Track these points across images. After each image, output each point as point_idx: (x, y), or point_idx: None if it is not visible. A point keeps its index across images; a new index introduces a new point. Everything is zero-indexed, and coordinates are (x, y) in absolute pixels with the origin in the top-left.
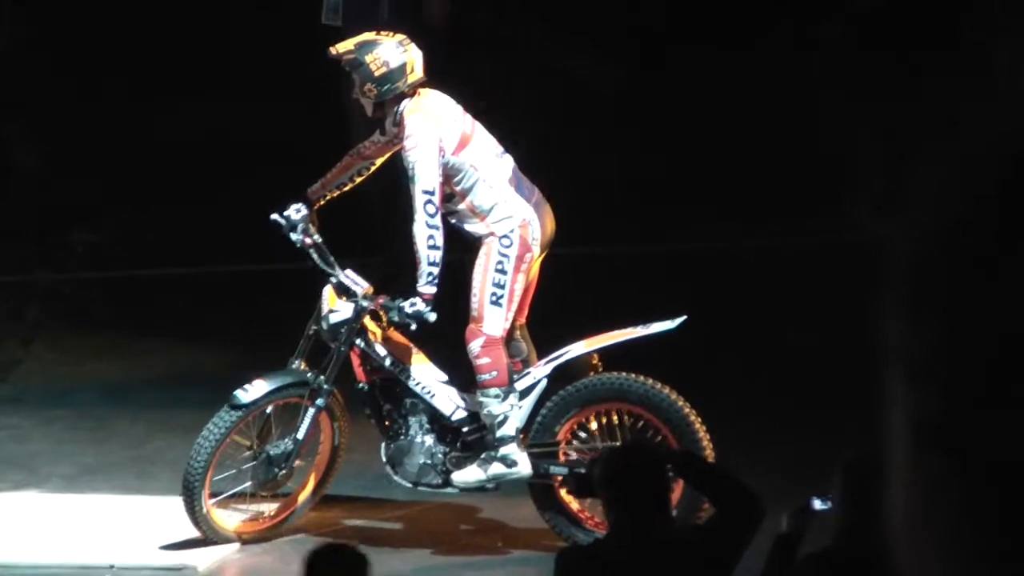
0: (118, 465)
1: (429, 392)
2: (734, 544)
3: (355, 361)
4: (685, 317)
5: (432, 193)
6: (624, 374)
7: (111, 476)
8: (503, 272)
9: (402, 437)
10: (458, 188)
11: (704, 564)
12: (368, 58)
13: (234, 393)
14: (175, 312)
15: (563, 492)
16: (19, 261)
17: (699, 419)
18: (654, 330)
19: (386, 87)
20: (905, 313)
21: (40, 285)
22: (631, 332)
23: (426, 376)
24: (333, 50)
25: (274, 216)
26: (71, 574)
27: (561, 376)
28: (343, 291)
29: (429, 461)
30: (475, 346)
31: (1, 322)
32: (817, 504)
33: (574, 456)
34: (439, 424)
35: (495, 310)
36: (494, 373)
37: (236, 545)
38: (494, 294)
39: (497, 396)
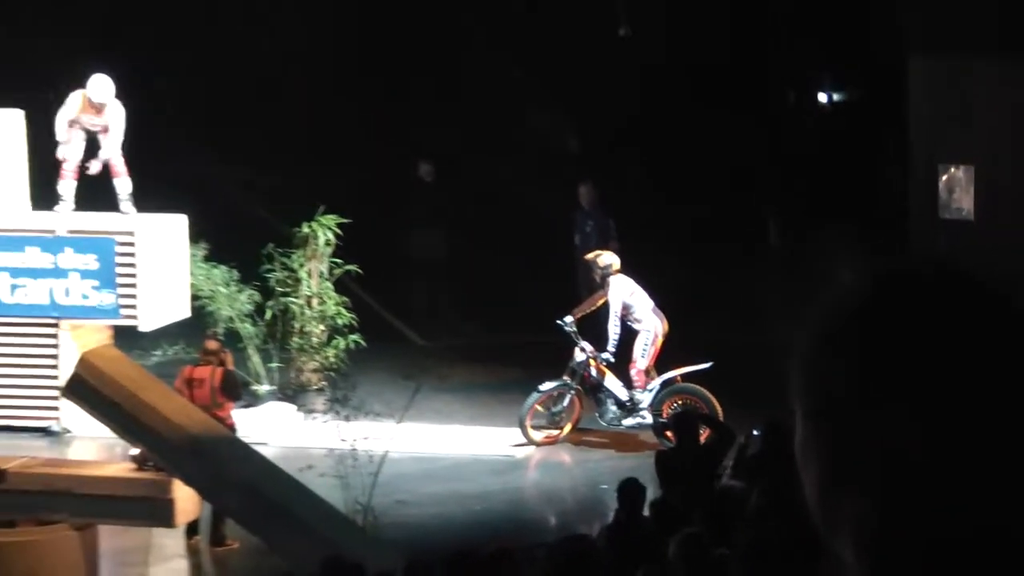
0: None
1: (614, 387)
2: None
3: (585, 375)
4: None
5: (617, 314)
6: (687, 384)
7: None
8: (646, 344)
9: (604, 404)
10: (631, 312)
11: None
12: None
13: (538, 386)
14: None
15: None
16: None
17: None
18: (700, 367)
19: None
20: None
21: None
22: (692, 367)
23: (612, 381)
24: (589, 256)
25: (558, 322)
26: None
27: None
28: (582, 349)
29: (613, 415)
30: (633, 372)
31: None
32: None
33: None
34: (617, 400)
35: (642, 360)
36: (638, 381)
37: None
38: (643, 352)
39: (640, 391)
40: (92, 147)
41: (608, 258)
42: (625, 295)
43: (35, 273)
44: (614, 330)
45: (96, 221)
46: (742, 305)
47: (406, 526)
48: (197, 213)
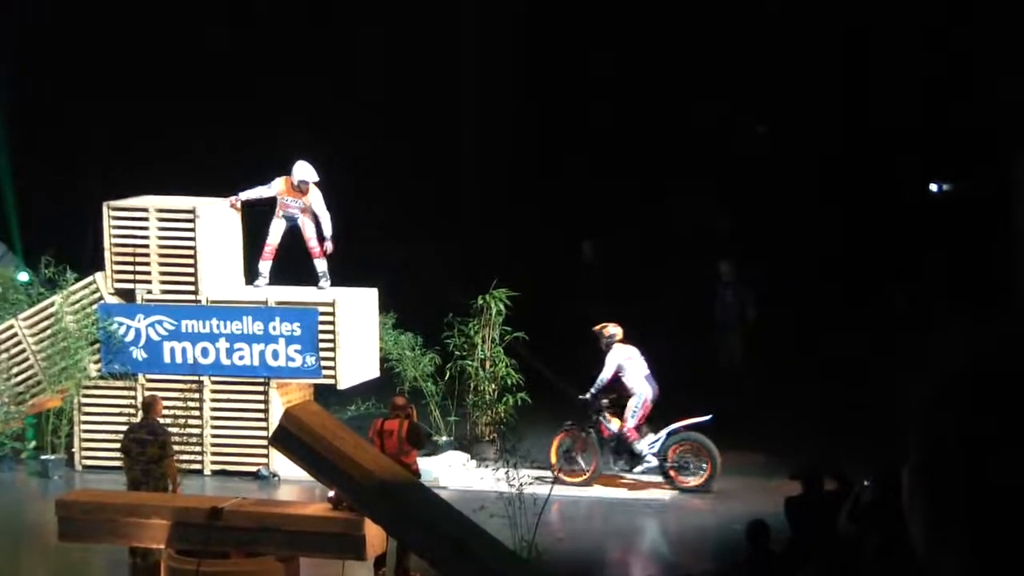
0: None
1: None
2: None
3: (602, 427)
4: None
5: (610, 371)
6: (691, 432)
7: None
8: (636, 408)
9: (616, 455)
10: (624, 374)
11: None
12: (607, 332)
13: (564, 422)
14: None
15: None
16: None
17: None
18: (701, 420)
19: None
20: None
21: None
22: (694, 420)
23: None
24: (596, 328)
25: (581, 397)
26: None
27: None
28: (598, 410)
29: (625, 463)
30: (625, 430)
31: None
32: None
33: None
34: (630, 452)
35: (631, 420)
36: (631, 437)
37: None
38: (632, 414)
39: (636, 442)
40: (292, 233)
41: (612, 329)
42: (622, 359)
43: (249, 339)
44: (603, 378)
45: (301, 294)
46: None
47: (567, 561)
48: (387, 286)
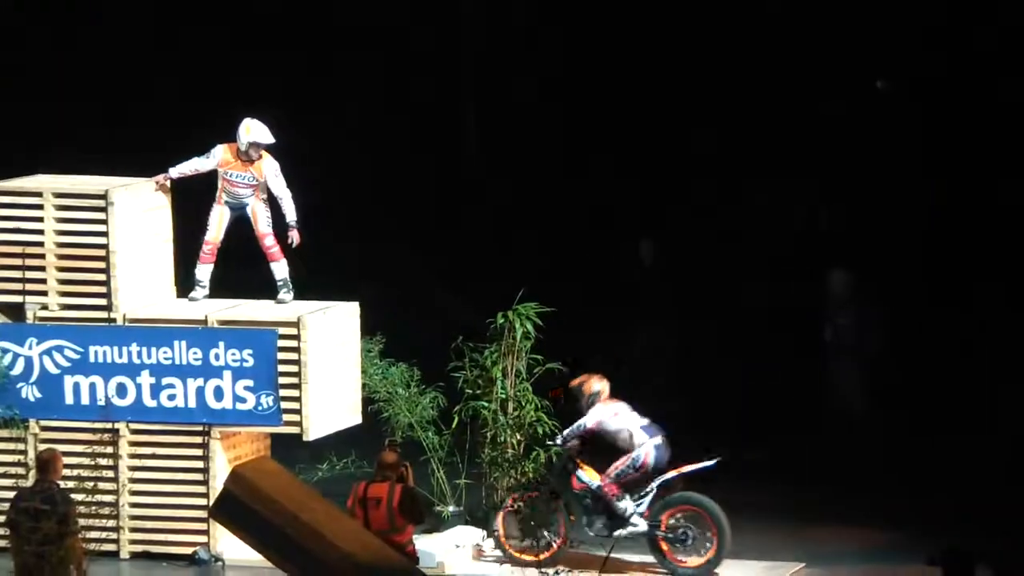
0: None
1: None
2: None
3: (573, 479)
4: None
5: (586, 426)
6: (693, 493)
7: None
8: (629, 468)
9: (592, 513)
10: (615, 435)
11: None
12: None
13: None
14: None
15: None
16: None
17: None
18: (704, 466)
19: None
20: None
21: None
22: (695, 466)
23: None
24: (575, 383)
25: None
26: None
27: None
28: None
29: (603, 525)
30: (603, 483)
31: None
32: None
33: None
34: (609, 510)
35: (616, 477)
36: (609, 493)
37: None
38: (620, 473)
39: (619, 498)
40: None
41: (597, 385)
42: (606, 418)
43: (183, 372)
44: (581, 424)
45: (253, 310)
46: None
47: None
48: (370, 300)
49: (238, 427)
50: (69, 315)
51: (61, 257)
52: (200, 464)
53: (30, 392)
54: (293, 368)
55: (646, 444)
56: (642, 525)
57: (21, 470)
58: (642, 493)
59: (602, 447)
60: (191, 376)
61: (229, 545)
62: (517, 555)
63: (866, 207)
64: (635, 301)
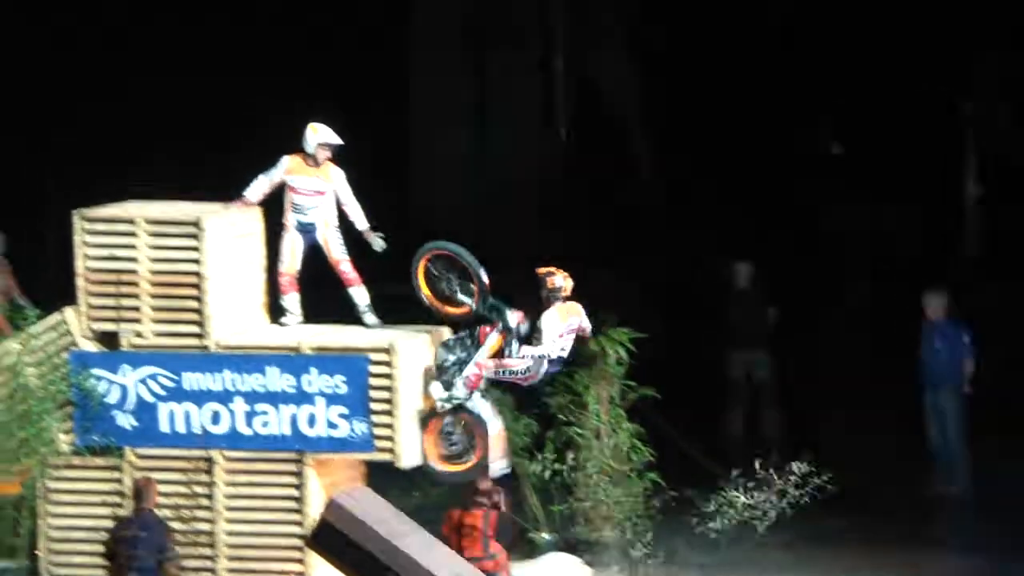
0: None
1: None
2: None
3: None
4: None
5: (552, 340)
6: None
7: None
8: (518, 370)
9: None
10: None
11: None
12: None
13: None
14: None
15: None
16: None
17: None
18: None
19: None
20: None
21: None
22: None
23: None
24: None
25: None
26: None
27: None
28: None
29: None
30: (472, 363)
31: None
32: None
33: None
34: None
35: (490, 364)
36: (471, 380)
37: None
38: (504, 370)
39: (465, 381)
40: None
41: (560, 280)
42: (563, 328)
43: (276, 399)
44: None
45: (345, 335)
46: None
47: None
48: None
49: (331, 454)
50: (163, 342)
51: (154, 284)
52: (294, 492)
53: (125, 420)
54: (385, 395)
55: (542, 368)
56: (443, 406)
57: (118, 499)
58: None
59: None
60: (284, 403)
61: (324, 574)
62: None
63: None
64: (730, 325)
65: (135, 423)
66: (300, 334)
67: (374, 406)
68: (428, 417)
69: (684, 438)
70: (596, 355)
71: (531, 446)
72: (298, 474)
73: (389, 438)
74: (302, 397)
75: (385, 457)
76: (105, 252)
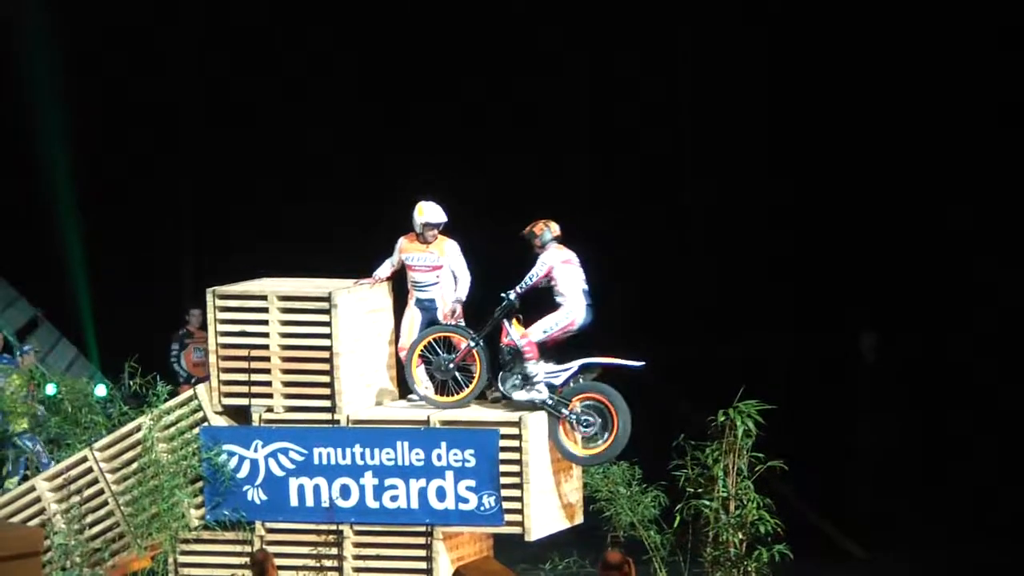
0: None
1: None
2: None
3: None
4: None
5: (539, 274)
6: (607, 386)
7: None
8: (556, 323)
9: (508, 369)
10: (556, 283)
11: None
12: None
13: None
14: None
15: None
16: None
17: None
18: (625, 363)
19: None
20: None
21: None
22: (622, 361)
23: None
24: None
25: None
26: None
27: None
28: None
29: (513, 385)
30: (524, 341)
31: None
32: None
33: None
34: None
35: (539, 335)
36: (529, 353)
37: None
38: (547, 329)
39: (534, 363)
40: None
41: (549, 225)
42: (557, 261)
43: (406, 472)
44: (534, 274)
45: (474, 410)
46: None
47: None
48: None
49: (460, 527)
50: (293, 417)
51: (286, 359)
52: (423, 565)
53: (255, 495)
54: (515, 468)
55: (578, 304)
56: (544, 394)
57: (248, 572)
58: (563, 368)
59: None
60: (413, 477)
61: None
62: (435, 397)
63: None
64: (856, 395)
65: (265, 497)
66: (431, 409)
67: (503, 479)
68: (556, 415)
69: (814, 510)
70: (725, 427)
71: (659, 519)
72: (427, 547)
73: (518, 511)
74: (432, 471)
75: (514, 530)
76: (237, 328)
